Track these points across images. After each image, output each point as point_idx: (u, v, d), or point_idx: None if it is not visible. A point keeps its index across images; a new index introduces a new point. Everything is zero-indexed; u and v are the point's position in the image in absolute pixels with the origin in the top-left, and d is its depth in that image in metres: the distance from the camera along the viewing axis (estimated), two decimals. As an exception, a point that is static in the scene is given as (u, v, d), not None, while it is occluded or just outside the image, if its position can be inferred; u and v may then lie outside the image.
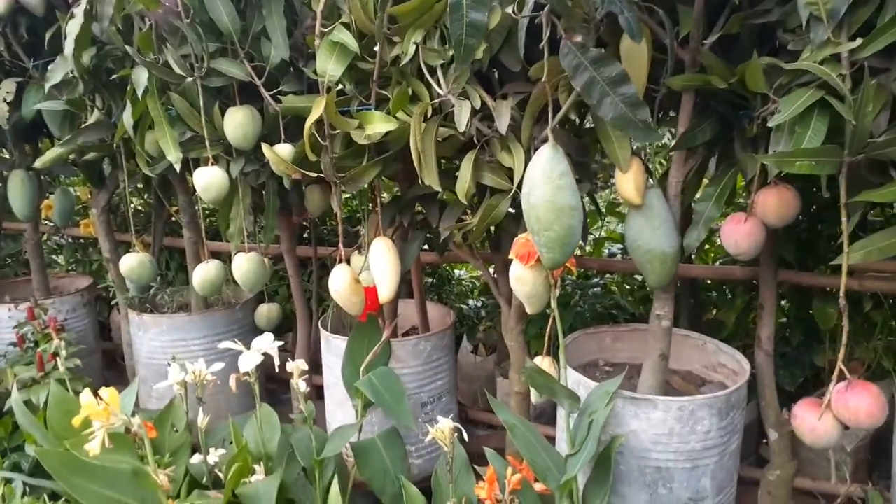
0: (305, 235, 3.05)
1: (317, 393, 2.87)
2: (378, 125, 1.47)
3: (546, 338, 1.76)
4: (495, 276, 2.00)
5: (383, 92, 1.61)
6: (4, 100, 2.15)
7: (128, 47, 1.64)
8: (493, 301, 2.89)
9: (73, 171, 2.67)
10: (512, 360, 1.95)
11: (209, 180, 1.68)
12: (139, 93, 1.65)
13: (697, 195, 1.61)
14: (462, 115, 1.41)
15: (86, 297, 2.93)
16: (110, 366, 3.29)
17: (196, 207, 2.48)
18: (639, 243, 1.51)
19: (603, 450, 1.50)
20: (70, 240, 3.58)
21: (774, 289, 1.70)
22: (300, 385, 1.78)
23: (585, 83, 1.17)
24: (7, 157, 2.60)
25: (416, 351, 2.01)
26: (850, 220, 1.25)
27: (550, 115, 1.30)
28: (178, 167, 1.68)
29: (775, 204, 1.42)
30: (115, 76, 1.80)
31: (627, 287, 2.38)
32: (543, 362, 1.76)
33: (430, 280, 3.07)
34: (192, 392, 1.89)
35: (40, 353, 2.20)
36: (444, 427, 1.60)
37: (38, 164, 2.08)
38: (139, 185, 2.99)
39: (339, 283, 1.72)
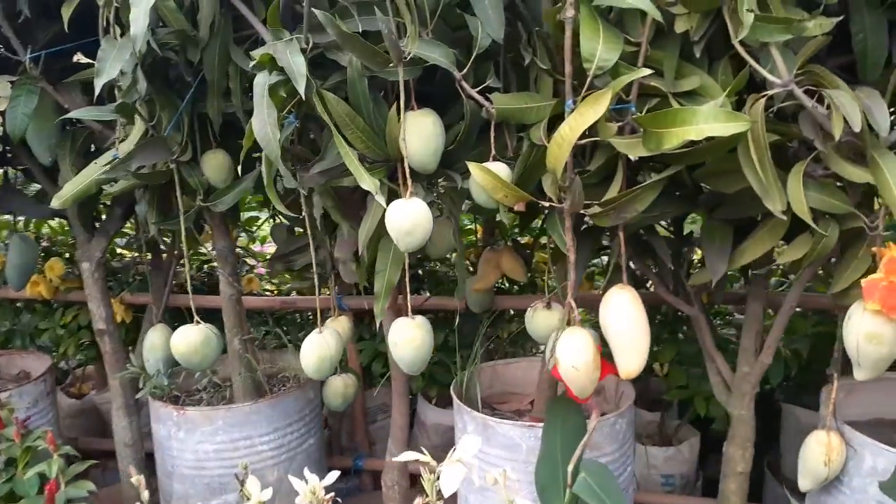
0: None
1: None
2: (714, 126, 1.01)
3: (831, 404, 1.36)
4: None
5: (652, 84, 1.16)
6: (-7, 107, 1.44)
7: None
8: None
9: (44, 212, 1.93)
10: (737, 433, 1.53)
11: (415, 219, 1.11)
12: (300, 87, 1.07)
13: None
14: (853, 113, 1.00)
15: (48, 384, 2.15)
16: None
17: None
18: None
19: None
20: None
21: None
22: (521, 504, 1.25)
23: None
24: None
25: (613, 432, 1.54)
26: None
27: None
28: (382, 201, 1.11)
29: None
30: (252, 65, 1.16)
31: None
32: (831, 438, 1.36)
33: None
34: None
35: (51, 486, 1.47)
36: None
37: (56, 202, 1.39)
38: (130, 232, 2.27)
39: (582, 355, 1.21)
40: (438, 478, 1.11)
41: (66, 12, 1.39)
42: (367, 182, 1.10)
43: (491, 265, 1.84)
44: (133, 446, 1.98)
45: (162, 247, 2.13)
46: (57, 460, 1.58)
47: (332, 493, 1.27)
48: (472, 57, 1.18)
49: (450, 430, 2.29)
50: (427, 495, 1.13)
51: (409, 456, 1.12)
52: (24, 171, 2.08)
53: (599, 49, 1.09)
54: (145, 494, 1.18)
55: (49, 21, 1.55)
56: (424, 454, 1.10)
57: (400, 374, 1.82)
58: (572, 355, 1.22)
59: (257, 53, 1.20)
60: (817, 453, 1.35)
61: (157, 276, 2.13)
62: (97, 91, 1.24)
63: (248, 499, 1.31)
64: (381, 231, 1.36)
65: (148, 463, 2.06)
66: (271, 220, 2.45)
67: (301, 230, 2.00)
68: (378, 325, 2.26)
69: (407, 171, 1.15)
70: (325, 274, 1.93)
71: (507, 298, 2.01)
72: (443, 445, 2.30)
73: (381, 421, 2.38)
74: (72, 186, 1.41)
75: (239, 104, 1.45)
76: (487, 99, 1.20)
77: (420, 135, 1.19)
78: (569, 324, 1.28)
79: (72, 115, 1.38)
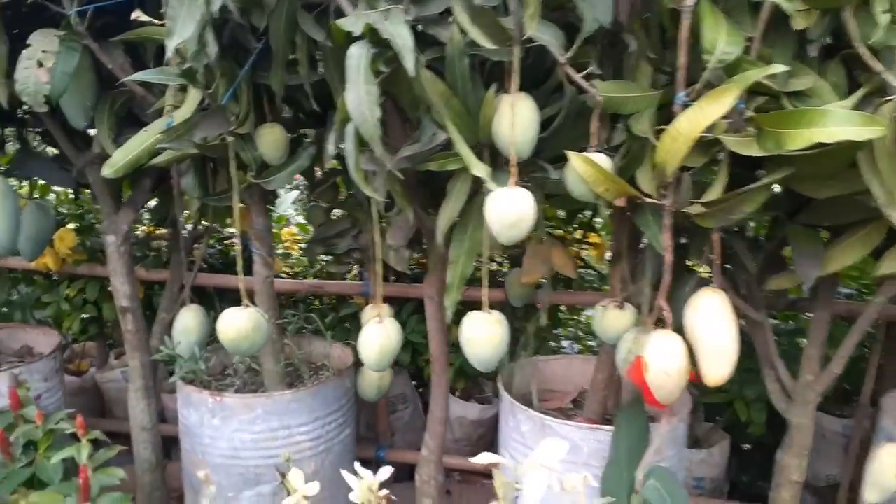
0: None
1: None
2: (848, 129, 0.96)
3: None
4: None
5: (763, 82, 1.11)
6: (40, 63, 1.31)
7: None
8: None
9: (67, 179, 1.80)
10: (795, 441, 1.50)
11: (522, 210, 1.04)
12: (408, 62, 0.99)
13: None
14: None
15: (58, 361, 2.03)
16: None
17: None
18: None
19: None
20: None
21: None
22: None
23: None
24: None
25: (674, 437, 1.50)
26: None
27: None
28: (494, 187, 1.04)
29: None
30: (357, 34, 1.06)
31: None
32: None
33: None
34: None
35: (85, 473, 1.38)
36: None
37: (107, 170, 1.29)
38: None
39: (675, 360, 1.17)
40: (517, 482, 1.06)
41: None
42: (479, 168, 1.03)
43: (539, 259, 1.78)
44: (151, 430, 1.88)
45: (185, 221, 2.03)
46: (86, 445, 1.48)
47: (387, 490, 1.21)
48: (579, 41, 1.11)
49: (473, 424, 2.25)
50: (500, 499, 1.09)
51: (487, 458, 1.06)
52: (41, 134, 1.95)
53: (721, 41, 1.04)
54: (212, 490, 1.11)
55: (96, -27, 1.43)
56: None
57: (441, 367, 1.75)
58: (665, 360, 1.17)
59: (347, 23, 1.12)
60: (888, 466, 1.33)
61: (177, 253, 2.02)
62: (169, 53, 1.14)
63: (291, 492, 1.24)
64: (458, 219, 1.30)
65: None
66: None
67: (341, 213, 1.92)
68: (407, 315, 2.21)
69: (513, 157, 1.08)
70: (366, 259, 1.85)
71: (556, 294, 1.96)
72: (465, 439, 2.25)
73: (400, 411, 2.31)
74: (123, 154, 1.30)
75: (306, 76, 1.36)
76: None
77: (521, 122, 1.12)
78: (659, 326, 1.23)
79: (137, 77, 1.27)
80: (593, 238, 2.16)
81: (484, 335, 1.25)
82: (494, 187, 1.05)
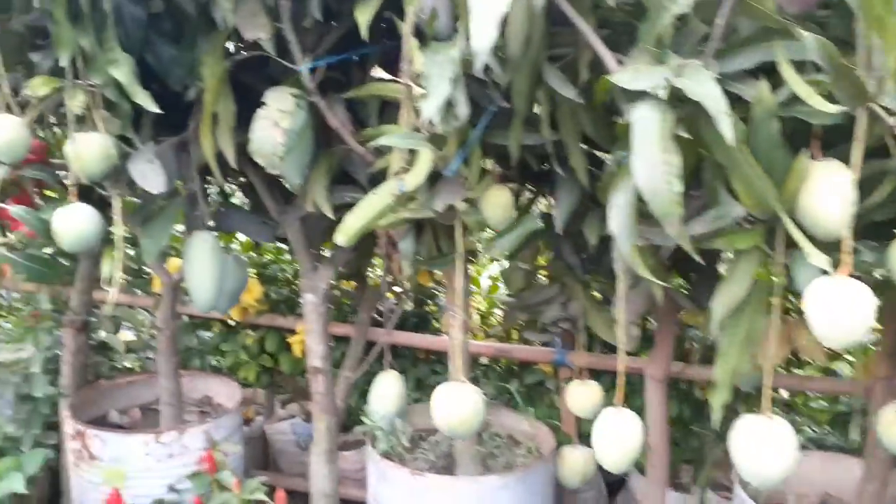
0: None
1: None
2: None
3: None
4: None
5: None
6: (277, 123, 1.27)
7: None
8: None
9: (267, 234, 1.77)
10: None
11: (866, 308, 0.84)
12: (724, 128, 0.82)
13: None
14: None
15: (240, 416, 1.99)
16: None
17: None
18: None
19: None
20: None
21: None
22: None
23: None
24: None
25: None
26: None
27: None
28: (828, 276, 0.86)
29: None
30: (660, 94, 0.91)
31: None
32: None
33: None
34: None
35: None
36: None
37: (340, 238, 1.21)
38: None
39: None
40: None
41: (363, 16, 1.20)
42: (819, 257, 0.84)
43: (780, 338, 1.54)
44: (332, 496, 1.78)
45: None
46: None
47: None
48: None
49: (671, 516, 2.00)
50: None
51: None
52: (242, 186, 1.95)
53: None
54: None
55: (325, 27, 1.38)
56: None
57: (660, 460, 1.55)
58: None
59: (627, 79, 0.97)
60: None
61: (363, 309, 1.95)
62: (426, 115, 1.04)
63: None
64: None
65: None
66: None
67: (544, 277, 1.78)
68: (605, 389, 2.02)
69: (847, 242, 0.88)
70: (574, 330, 1.70)
71: (787, 377, 1.71)
72: (661, 531, 2.00)
73: (583, 493, 2.11)
74: (356, 220, 1.22)
75: (549, 135, 1.23)
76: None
77: (832, 193, 0.92)
78: None
79: (382, 142, 1.18)
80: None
81: (773, 446, 1.03)
82: (830, 275, 0.86)
